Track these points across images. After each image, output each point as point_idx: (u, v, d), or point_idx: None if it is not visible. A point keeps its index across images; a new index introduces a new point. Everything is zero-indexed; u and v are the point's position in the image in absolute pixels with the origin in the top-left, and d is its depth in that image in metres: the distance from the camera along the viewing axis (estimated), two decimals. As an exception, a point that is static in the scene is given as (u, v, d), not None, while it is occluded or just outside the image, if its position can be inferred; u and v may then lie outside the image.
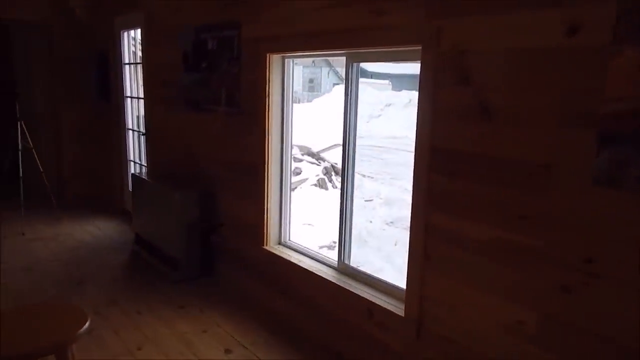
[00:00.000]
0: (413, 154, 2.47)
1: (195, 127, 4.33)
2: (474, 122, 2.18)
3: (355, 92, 2.98)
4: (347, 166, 3.05)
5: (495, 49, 2.07)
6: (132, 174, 4.74)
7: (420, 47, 2.39)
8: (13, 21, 6.28)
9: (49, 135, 6.46)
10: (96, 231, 5.39)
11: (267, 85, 3.43)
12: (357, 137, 3.02)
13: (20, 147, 5.42)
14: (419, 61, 2.42)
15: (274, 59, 3.43)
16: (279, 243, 3.62)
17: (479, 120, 2.16)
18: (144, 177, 4.52)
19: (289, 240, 3.62)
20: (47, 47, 6.21)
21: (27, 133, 5.43)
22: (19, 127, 5.36)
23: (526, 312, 2.04)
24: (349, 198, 3.07)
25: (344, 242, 3.10)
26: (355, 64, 2.96)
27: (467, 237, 2.25)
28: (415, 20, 2.40)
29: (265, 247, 3.56)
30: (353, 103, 2.98)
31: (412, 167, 2.46)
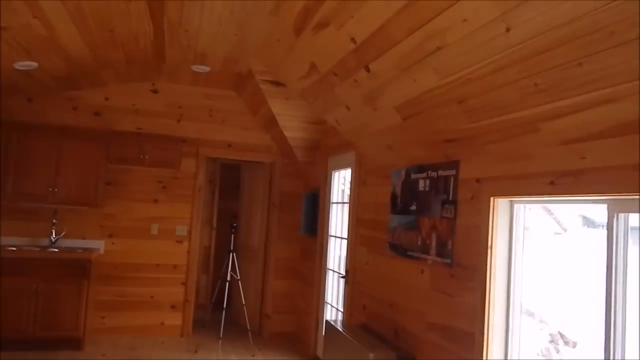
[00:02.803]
0: None
1: (399, 275, 3.83)
2: None
3: (623, 250, 2.18)
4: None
5: None
6: (326, 320, 4.35)
7: None
8: (245, 161, 6.93)
9: (258, 268, 6.63)
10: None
11: (490, 235, 2.81)
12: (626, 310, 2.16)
13: (228, 277, 5.57)
14: None
15: (499, 204, 2.84)
16: None
17: None
18: (336, 325, 4.08)
19: None
20: (268, 183, 6.61)
21: (237, 265, 5.58)
22: (230, 258, 5.56)
23: None
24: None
25: None
26: (622, 215, 2.19)
27: None
28: None
29: None
30: (620, 264, 2.17)
31: None
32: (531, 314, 8.58)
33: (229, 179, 8.20)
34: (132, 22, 3.74)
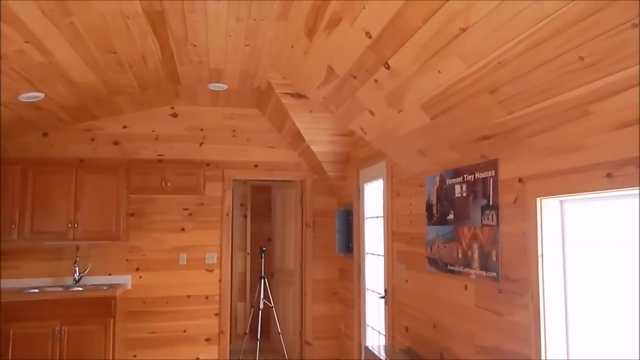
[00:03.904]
0: None
1: (441, 292, 3.44)
2: None
3: None
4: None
5: None
6: (365, 347, 3.98)
7: None
8: (275, 181, 6.70)
9: (295, 292, 6.31)
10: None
11: (539, 242, 2.41)
12: None
13: (261, 305, 5.27)
14: None
15: (547, 205, 2.44)
16: None
17: None
18: (376, 352, 3.70)
19: None
20: (300, 202, 6.33)
21: (269, 291, 5.29)
22: (262, 284, 5.26)
23: None
24: None
25: None
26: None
27: None
28: None
29: None
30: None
31: None
32: None
33: (261, 202, 7.98)
34: (135, 40, 3.56)
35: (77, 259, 5.47)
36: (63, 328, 4.91)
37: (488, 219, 2.83)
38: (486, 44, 2.19)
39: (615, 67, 1.81)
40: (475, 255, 2.94)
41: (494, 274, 2.75)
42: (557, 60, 1.98)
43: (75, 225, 5.29)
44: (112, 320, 5.04)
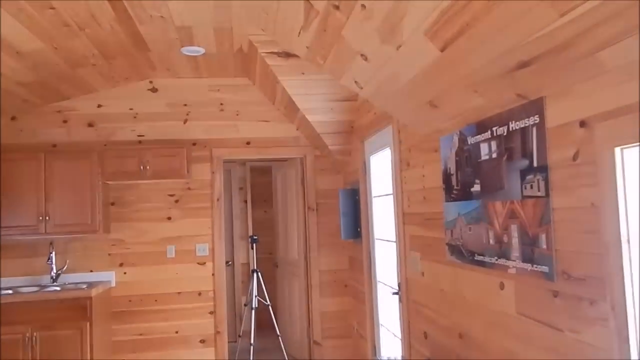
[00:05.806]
0: None
1: (467, 291, 2.57)
2: None
3: None
4: None
5: None
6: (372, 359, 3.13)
7: None
8: (273, 160, 5.90)
9: (301, 285, 5.50)
10: None
11: (624, 219, 1.51)
12: None
13: (255, 304, 4.48)
14: None
15: (633, 158, 1.54)
16: None
17: None
18: (387, 369, 2.87)
19: None
20: (301, 182, 5.49)
21: (263, 286, 4.49)
22: (254, 279, 4.46)
23: None
24: None
25: None
26: None
27: None
28: None
29: None
30: None
31: None
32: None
33: (264, 185, 7.18)
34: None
35: (52, 255, 4.85)
36: (34, 334, 4.33)
37: (532, 187, 1.94)
38: None
39: None
40: (515, 240, 2.06)
41: (545, 268, 1.86)
42: None
43: (47, 218, 4.68)
44: (88, 323, 4.39)
